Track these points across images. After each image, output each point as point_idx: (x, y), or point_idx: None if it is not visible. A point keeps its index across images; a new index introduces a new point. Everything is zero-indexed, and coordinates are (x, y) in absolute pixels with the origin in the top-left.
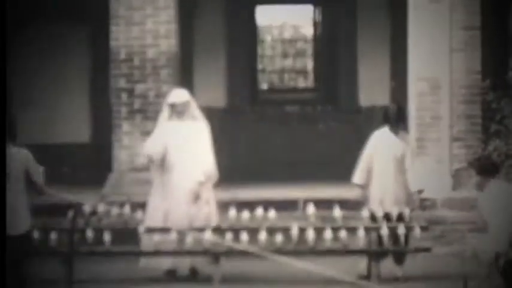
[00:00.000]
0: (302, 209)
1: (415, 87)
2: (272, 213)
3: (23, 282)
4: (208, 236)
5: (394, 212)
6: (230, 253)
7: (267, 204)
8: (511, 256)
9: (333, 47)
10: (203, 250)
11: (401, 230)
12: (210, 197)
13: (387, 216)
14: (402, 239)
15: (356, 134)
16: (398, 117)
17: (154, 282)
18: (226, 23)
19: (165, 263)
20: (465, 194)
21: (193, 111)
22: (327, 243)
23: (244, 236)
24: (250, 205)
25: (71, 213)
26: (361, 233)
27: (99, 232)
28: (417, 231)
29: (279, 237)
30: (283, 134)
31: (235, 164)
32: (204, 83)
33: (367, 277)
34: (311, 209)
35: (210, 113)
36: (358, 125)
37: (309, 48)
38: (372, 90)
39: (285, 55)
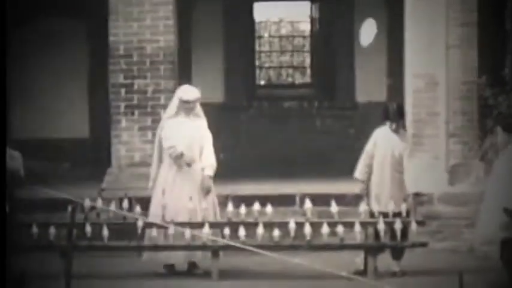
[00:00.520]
0: (299, 204)
1: (411, 83)
2: (269, 209)
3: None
4: (206, 230)
5: (390, 208)
6: (228, 248)
7: (264, 200)
8: None
9: (330, 43)
10: (202, 245)
11: (397, 225)
12: (212, 192)
13: (384, 212)
14: (399, 234)
15: (353, 130)
16: (398, 115)
17: (153, 277)
18: (224, 19)
19: (164, 257)
20: (462, 189)
21: (198, 109)
22: (324, 238)
23: (241, 231)
24: (248, 200)
25: (69, 208)
26: (357, 228)
27: (97, 227)
28: (414, 226)
29: (276, 232)
30: (280, 129)
31: (233, 160)
32: (202, 79)
33: (364, 272)
34: (308, 204)
35: (207, 109)
36: (355, 121)
37: (307, 45)
38: (368, 86)
39: (282, 51)
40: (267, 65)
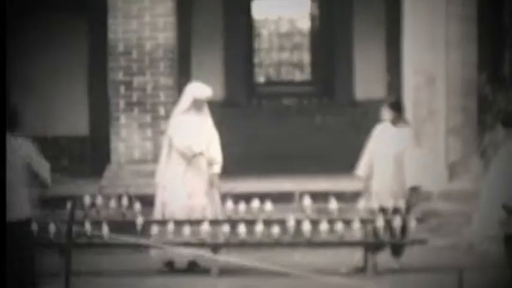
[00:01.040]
0: (298, 201)
1: (411, 80)
2: (268, 206)
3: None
4: (206, 227)
5: (389, 204)
6: (228, 245)
7: (263, 197)
8: None
9: (329, 40)
10: (201, 242)
11: (397, 222)
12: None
13: (383, 209)
14: (398, 231)
15: (352, 127)
16: (395, 107)
17: (152, 274)
18: (223, 16)
19: (164, 255)
20: (461, 186)
21: (205, 106)
22: (323, 235)
23: (241, 228)
24: (247, 197)
25: (69, 205)
26: (356, 225)
27: (97, 224)
28: (413, 224)
29: (275, 229)
30: (279, 126)
31: (232, 157)
32: (202, 76)
33: (363, 269)
34: (307, 201)
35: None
36: (354, 118)
37: (306, 42)
38: (368, 83)
39: (281, 48)
40: (266, 62)
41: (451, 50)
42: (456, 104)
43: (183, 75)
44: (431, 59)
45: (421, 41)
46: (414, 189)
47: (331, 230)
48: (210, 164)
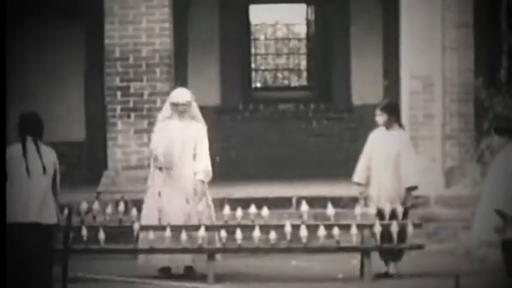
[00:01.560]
0: (295, 207)
1: (407, 85)
2: (265, 211)
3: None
4: (202, 233)
5: (387, 209)
6: (225, 251)
7: (260, 202)
8: None
9: (326, 45)
10: (198, 248)
11: (394, 227)
12: (207, 195)
13: (381, 214)
14: (395, 236)
15: (349, 132)
16: (389, 109)
17: (149, 280)
18: (220, 22)
19: (160, 260)
20: (458, 191)
21: (193, 111)
22: (320, 240)
23: (238, 234)
24: (244, 203)
25: (66, 211)
26: (354, 230)
27: (94, 230)
28: (410, 229)
29: (272, 235)
30: (276, 132)
31: (229, 162)
32: (198, 81)
33: (360, 274)
34: (304, 206)
35: (203, 112)
36: (351, 124)
37: (302, 47)
38: (364, 88)
39: (278, 54)
40: (262, 67)
41: (448, 55)
42: (453, 109)
43: (179, 80)
44: (428, 64)
45: (418, 46)
46: (411, 190)
47: (328, 235)
48: (195, 170)
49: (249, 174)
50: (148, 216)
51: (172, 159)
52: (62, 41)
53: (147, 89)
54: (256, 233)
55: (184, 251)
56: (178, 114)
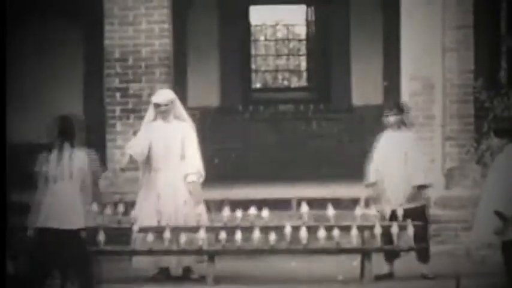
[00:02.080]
0: (295, 208)
1: (407, 86)
2: (265, 212)
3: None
4: (201, 235)
5: (387, 211)
6: (224, 252)
7: (260, 203)
8: None
9: (326, 46)
10: (197, 249)
11: (394, 229)
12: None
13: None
14: (395, 237)
15: (349, 133)
16: (396, 108)
17: (148, 282)
18: (219, 23)
19: (159, 262)
20: (458, 192)
21: (178, 111)
22: (320, 242)
23: (237, 235)
24: (244, 204)
25: None
26: (354, 231)
27: (93, 231)
28: (410, 230)
29: (272, 236)
30: (276, 133)
31: (229, 163)
32: (198, 82)
33: (361, 276)
34: (304, 207)
35: (203, 113)
36: (351, 125)
37: (302, 48)
38: (364, 89)
39: (278, 55)
40: (262, 68)
41: (448, 57)
42: (453, 110)
43: (179, 81)
44: (428, 65)
45: (418, 47)
46: (422, 188)
47: (328, 236)
48: (186, 172)
49: (249, 175)
50: (145, 217)
51: (156, 161)
52: (61, 42)
53: (147, 90)
54: (256, 234)
55: (183, 252)
56: (161, 115)
